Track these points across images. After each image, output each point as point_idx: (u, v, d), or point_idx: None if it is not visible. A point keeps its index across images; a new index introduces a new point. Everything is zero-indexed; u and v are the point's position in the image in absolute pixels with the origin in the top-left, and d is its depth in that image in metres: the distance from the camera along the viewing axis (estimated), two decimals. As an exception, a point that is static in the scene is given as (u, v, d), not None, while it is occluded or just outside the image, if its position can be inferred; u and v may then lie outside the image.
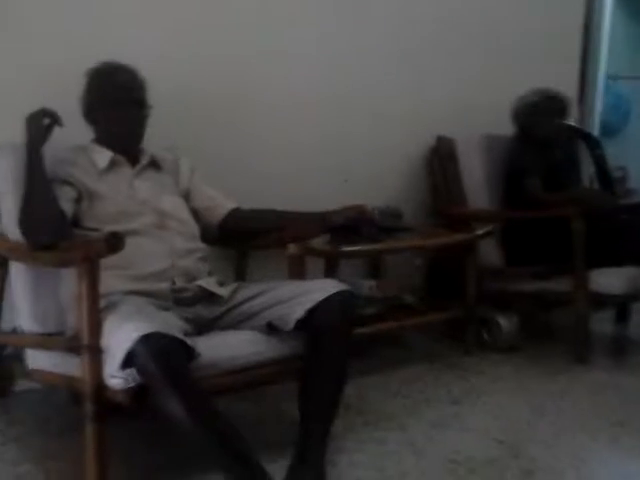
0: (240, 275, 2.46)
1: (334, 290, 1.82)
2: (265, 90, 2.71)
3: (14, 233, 1.93)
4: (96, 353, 1.60)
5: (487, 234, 2.79)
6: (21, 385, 2.24)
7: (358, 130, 2.99)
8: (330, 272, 2.58)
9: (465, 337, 2.82)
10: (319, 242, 2.43)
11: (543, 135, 3.00)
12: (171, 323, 1.65)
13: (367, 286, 2.76)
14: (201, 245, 2.08)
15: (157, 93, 2.10)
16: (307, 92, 2.83)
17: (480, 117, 3.20)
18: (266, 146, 2.73)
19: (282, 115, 2.77)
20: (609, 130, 6.67)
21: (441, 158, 3.18)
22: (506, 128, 3.13)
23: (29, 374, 1.93)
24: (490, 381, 2.52)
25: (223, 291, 1.96)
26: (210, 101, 2.55)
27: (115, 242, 1.61)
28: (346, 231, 2.25)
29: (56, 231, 1.82)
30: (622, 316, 3.26)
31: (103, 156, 2.02)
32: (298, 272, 2.12)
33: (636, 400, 2.34)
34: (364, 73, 2.98)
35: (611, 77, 6.72)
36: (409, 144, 3.16)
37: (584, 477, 1.86)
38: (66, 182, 1.94)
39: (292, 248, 2.12)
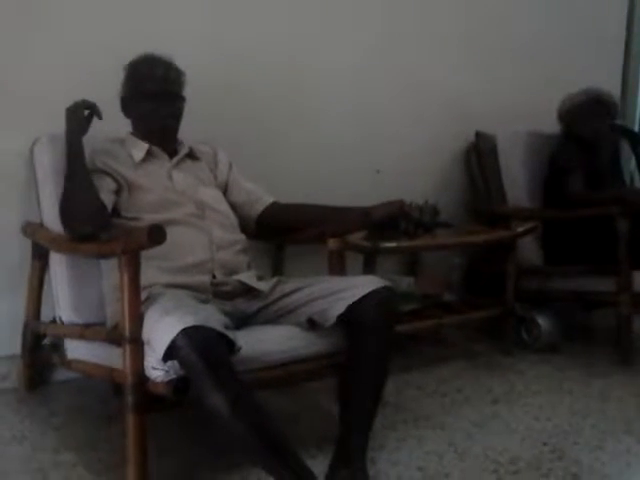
0: (277, 269, 2.45)
1: (375, 286, 1.79)
2: (302, 86, 2.70)
3: (55, 224, 1.94)
4: (137, 345, 1.59)
5: (529, 231, 2.74)
6: (61, 374, 2.25)
7: (396, 125, 2.95)
8: (368, 268, 2.55)
9: (504, 336, 2.77)
10: (357, 237, 2.40)
11: (589, 136, 2.94)
12: (213, 316, 1.63)
13: (405, 283, 2.72)
14: (241, 236, 2.07)
15: (197, 87, 2.09)
16: (345, 87, 2.81)
17: (521, 114, 3.15)
18: (303, 142, 2.72)
19: (319, 111, 2.75)
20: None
21: (480, 154, 3.13)
22: (547, 126, 3.07)
23: (68, 364, 1.94)
24: (530, 381, 2.48)
25: (263, 286, 1.94)
26: (247, 97, 2.54)
27: (157, 234, 1.59)
28: (385, 227, 2.22)
29: (97, 222, 1.82)
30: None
31: (139, 148, 2.02)
32: (338, 267, 2.10)
33: (682, 404, 2.28)
34: (402, 67, 2.94)
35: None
36: (448, 139, 3.13)
37: (630, 482, 1.82)
38: (105, 173, 1.95)
39: (332, 243, 2.10)
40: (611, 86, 3.38)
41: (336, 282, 1.88)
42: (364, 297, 1.76)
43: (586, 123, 2.92)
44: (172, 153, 2.07)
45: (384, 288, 1.80)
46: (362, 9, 2.82)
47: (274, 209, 2.20)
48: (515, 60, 3.26)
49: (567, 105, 2.99)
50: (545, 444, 1.97)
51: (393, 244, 2.43)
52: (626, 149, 3.39)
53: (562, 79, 3.23)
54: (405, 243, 2.47)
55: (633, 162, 3.42)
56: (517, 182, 3.06)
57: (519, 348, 2.78)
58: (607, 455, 1.92)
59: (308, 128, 2.73)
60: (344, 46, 2.78)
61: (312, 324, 1.81)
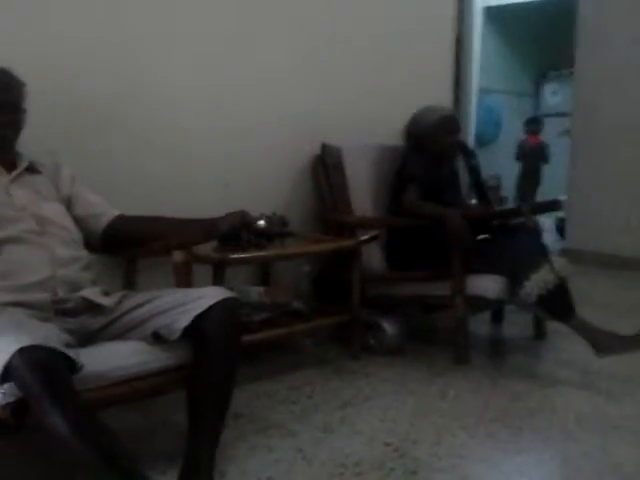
0: (129, 284, 2.40)
1: (220, 297, 1.81)
2: (153, 99, 2.67)
3: None
4: (-30, 368, 1.51)
5: (371, 239, 2.86)
6: None
7: (244, 136, 2.98)
8: (218, 279, 2.56)
9: (352, 341, 2.87)
10: (206, 249, 2.41)
11: (443, 151, 3.11)
12: (52, 335, 1.58)
13: (256, 292, 2.76)
14: (84, 253, 2.02)
15: (40, 99, 2.03)
16: (193, 96, 2.80)
17: (366, 126, 3.30)
18: (152, 154, 2.68)
19: (166, 119, 2.72)
20: (482, 141, 7.05)
21: (326, 165, 3.22)
22: (388, 138, 3.23)
23: None
24: (376, 384, 2.59)
25: (107, 301, 1.91)
26: (95, 109, 2.47)
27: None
28: (229, 237, 2.25)
29: None
30: (498, 317, 3.43)
31: (-25, 162, 1.92)
32: (184, 280, 2.08)
33: (510, 397, 2.47)
34: (250, 82, 2.98)
35: (483, 90, 7.13)
36: (295, 151, 3.19)
37: (463, 475, 1.93)
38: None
39: (177, 255, 2.08)
40: (444, 102, 3.64)
41: (182, 294, 1.88)
42: (209, 309, 1.77)
43: (441, 139, 3.09)
44: (10, 167, 1.99)
45: (229, 299, 1.82)
46: (210, 28, 2.83)
47: (120, 222, 2.16)
48: (358, 75, 3.40)
49: (424, 122, 3.13)
50: (388, 444, 2.07)
51: (241, 255, 2.46)
52: (460, 162, 3.62)
53: (400, 95, 3.43)
54: (253, 254, 2.51)
55: (467, 175, 3.65)
56: (362, 192, 3.19)
57: (367, 352, 2.89)
58: (443, 450, 2.04)
59: (157, 140, 2.69)
60: (192, 58, 2.78)
61: (158, 338, 1.80)
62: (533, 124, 7.34)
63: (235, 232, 2.08)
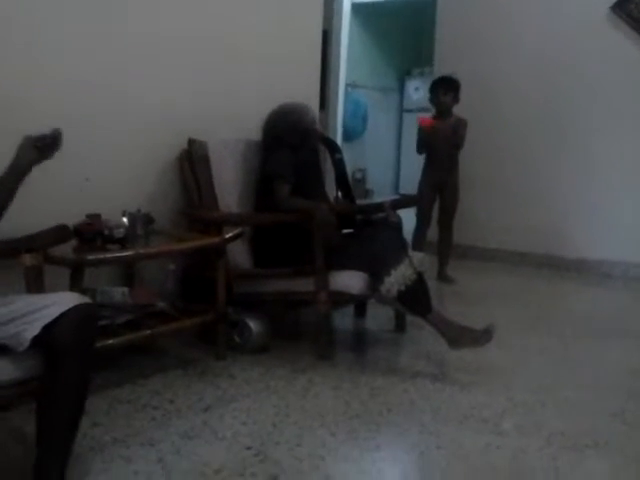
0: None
1: (72, 304, 1.72)
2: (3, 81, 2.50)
3: None
4: None
5: (235, 237, 2.84)
6: None
7: (106, 132, 2.86)
8: (76, 282, 2.45)
9: (217, 341, 2.84)
10: (63, 250, 2.29)
11: (306, 144, 3.13)
12: None
13: (119, 294, 2.66)
14: None
15: None
16: (52, 84, 2.65)
17: (232, 121, 3.27)
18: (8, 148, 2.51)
19: (20, 106, 2.55)
20: (349, 135, 7.17)
21: (192, 161, 3.16)
22: (254, 133, 3.21)
23: None
24: (240, 385, 2.56)
25: (-53, 311, 1.77)
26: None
27: None
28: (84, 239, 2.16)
29: None
30: (360, 311, 3.50)
31: None
32: (35, 285, 1.98)
33: (370, 393, 2.53)
34: (112, 69, 2.86)
35: (350, 85, 7.25)
36: (161, 146, 3.10)
37: (325, 475, 1.96)
38: None
39: (28, 259, 1.97)
40: (312, 97, 3.68)
41: (31, 301, 1.77)
42: (60, 316, 1.68)
43: (304, 132, 3.12)
44: None
45: (83, 305, 1.74)
46: (74, 23, 2.71)
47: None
48: (226, 69, 3.35)
49: (279, 117, 3.16)
50: (249, 448, 2.05)
51: (99, 256, 2.36)
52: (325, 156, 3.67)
53: (268, 89, 3.43)
54: (111, 254, 2.42)
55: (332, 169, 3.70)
56: (228, 188, 3.15)
57: (233, 351, 2.86)
58: (304, 451, 2.05)
59: (10, 129, 2.53)
60: (56, 46, 2.65)
61: (4, 349, 1.69)
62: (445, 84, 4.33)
63: (90, 234, 2.00)
